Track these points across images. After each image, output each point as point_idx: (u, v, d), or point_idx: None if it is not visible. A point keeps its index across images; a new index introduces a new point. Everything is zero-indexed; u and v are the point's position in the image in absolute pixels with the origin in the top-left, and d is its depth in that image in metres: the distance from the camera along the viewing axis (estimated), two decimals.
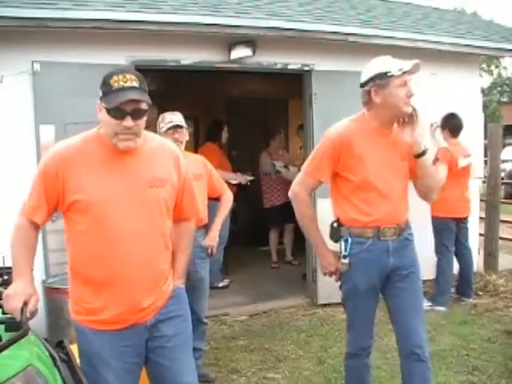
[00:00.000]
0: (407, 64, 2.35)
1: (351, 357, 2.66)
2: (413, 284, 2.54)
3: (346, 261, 2.48)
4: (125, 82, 1.84)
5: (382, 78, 2.35)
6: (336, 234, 2.53)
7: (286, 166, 6.25)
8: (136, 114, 1.85)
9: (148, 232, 1.95)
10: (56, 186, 1.88)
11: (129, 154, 1.93)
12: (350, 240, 2.47)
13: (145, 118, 1.91)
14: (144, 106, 1.88)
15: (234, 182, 5.59)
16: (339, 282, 2.60)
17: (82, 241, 1.92)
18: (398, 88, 2.34)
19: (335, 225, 2.54)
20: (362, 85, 2.44)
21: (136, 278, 1.93)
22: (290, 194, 2.62)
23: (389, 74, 2.33)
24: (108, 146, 1.92)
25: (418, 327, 2.52)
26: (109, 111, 1.84)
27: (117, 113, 1.83)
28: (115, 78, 1.84)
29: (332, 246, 2.60)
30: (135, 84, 1.85)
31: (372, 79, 2.38)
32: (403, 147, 2.49)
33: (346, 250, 2.48)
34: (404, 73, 2.34)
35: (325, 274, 2.62)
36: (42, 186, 1.90)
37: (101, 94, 1.87)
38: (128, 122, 1.84)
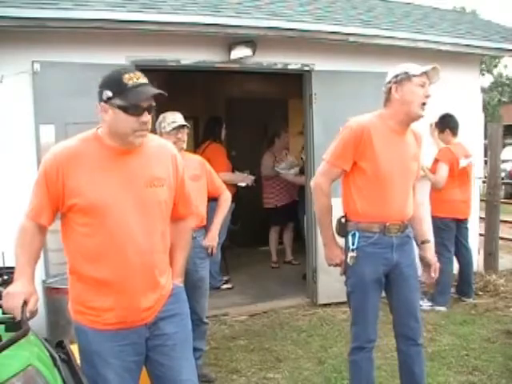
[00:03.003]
0: (427, 67, 2.58)
1: (357, 351, 2.73)
2: (412, 279, 2.71)
3: (354, 254, 2.60)
4: (137, 79, 1.86)
5: (403, 76, 2.58)
6: (343, 229, 2.67)
7: (289, 169, 6.19)
8: (150, 109, 1.90)
9: (148, 231, 1.95)
10: (57, 186, 1.88)
11: (128, 154, 1.94)
12: (357, 234, 2.59)
13: None
14: (153, 101, 1.92)
15: (243, 184, 5.58)
16: (344, 277, 2.72)
17: (82, 241, 1.92)
18: (416, 87, 2.56)
19: (343, 220, 2.67)
20: (386, 83, 2.66)
21: (137, 277, 1.94)
22: (311, 184, 2.73)
23: (410, 73, 2.56)
24: (107, 146, 1.92)
25: (416, 315, 2.73)
26: (127, 108, 1.83)
27: (136, 109, 1.84)
28: (127, 76, 1.85)
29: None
30: (146, 80, 1.89)
31: (394, 77, 2.61)
32: (415, 149, 2.71)
33: (353, 243, 2.60)
34: (423, 74, 2.56)
35: (329, 265, 2.75)
36: (44, 187, 1.90)
37: (110, 94, 1.84)
38: (146, 117, 1.88)
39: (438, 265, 2.80)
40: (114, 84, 1.85)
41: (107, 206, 1.88)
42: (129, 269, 1.92)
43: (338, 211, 2.72)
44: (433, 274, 2.79)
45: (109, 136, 1.92)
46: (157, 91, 1.88)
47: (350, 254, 2.60)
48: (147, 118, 1.88)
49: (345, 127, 2.65)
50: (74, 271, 1.98)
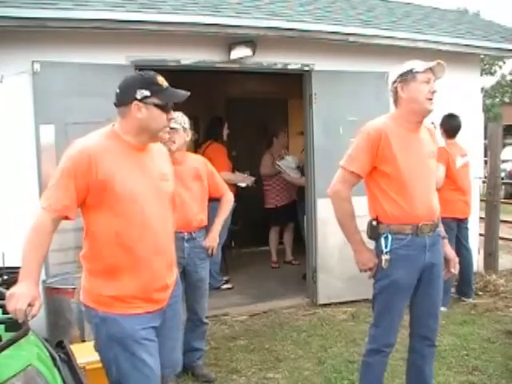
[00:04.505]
0: (431, 63, 2.57)
1: (373, 353, 2.69)
2: (439, 279, 2.68)
3: (388, 256, 2.55)
4: (165, 82, 2.06)
5: (407, 75, 2.58)
6: (375, 231, 2.61)
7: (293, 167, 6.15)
8: (172, 107, 2.09)
9: (166, 221, 2.14)
10: (88, 177, 1.93)
11: (141, 150, 2.08)
12: (390, 237, 2.55)
13: None
14: None
15: (243, 185, 5.58)
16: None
17: (112, 231, 1.99)
18: (421, 84, 2.55)
19: (374, 223, 2.61)
20: (392, 83, 2.66)
21: (163, 263, 2.11)
22: (329, 191, 2.67)
23: (414, 71, 2.56)
24: (125, 142, 2.04)
25: (437, 316, 2.72)
26: (163, 107, 2.02)
27: (167, 108, 2.04)
28: (159, 78, 2.04)
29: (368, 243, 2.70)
30: None
31: (399, 76, 2.61)
32: (431, 145, 2.70)
33: (386, 246, 2.56)
34: (428, 70, 2.55)
35: (361, 271, 2.70)
36: (71, 181, 1.92)
37: (148, 93, 1.99)
38: (172, 114, 2.09)
39: (457, 259, 2.77)
40: (152, 85, 2.01)
41: (136, 197, 2.00)
42: (156, 255, 2.06)
43: (358, 210, 2.65)
44: (452, 270, 2.76)
45: (131, 133, 2.04)
46: (188, 93, 2.09)
47: (385, 257, 2.54)
48: (173, 115, 2.10)
49: (361, 132, 2.61)
50: (100, 261, 2.03)
